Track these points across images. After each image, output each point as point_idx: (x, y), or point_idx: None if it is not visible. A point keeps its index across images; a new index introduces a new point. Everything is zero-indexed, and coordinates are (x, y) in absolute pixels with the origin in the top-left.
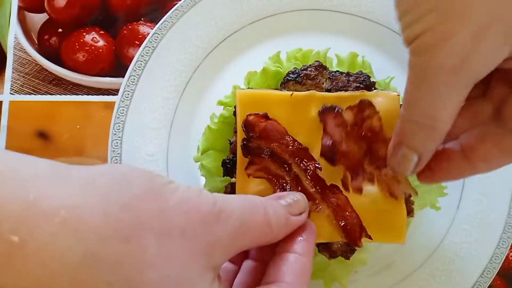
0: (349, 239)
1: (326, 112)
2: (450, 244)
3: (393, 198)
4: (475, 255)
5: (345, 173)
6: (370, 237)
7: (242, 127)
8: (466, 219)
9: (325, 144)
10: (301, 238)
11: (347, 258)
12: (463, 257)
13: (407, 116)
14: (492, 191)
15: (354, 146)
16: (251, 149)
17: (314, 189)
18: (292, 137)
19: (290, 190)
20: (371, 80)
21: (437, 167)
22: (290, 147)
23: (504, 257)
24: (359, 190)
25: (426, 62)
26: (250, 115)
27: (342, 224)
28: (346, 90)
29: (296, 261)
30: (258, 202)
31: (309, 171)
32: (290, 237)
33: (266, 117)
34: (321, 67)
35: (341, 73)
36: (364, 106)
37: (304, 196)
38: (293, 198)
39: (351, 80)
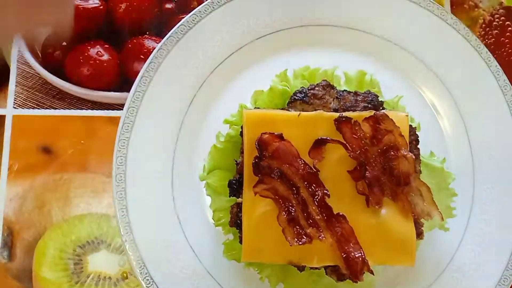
0: (350, 271)
1: (342, 122)
2: (458, 265)
3: (407, 219)
4: (483, 277)
5: (364, 187)
6: (372, 272)
7: (256, 145)
8: (474, 240)
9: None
10: None
11: (355, 281)
12: (471, 279)
13: None
14: (500, 212)
15: (376, 161)
16: (261, 168)
17: (319, 216)
18: (303, 160)
19: (295, 214)
20: (379, 100)
21: None
22: (301, 170)
23: None
24: (379, 205)
25: None
26: (265, 133)
27: (344, 256)
28: (354, 110)
29: None
30: None
31: (317, 196)
32: None
33: (280, 137)
34: (328, 86)
35: (349, 92)
36: (379, 118)
37: None
38: None
39: (359, 99)
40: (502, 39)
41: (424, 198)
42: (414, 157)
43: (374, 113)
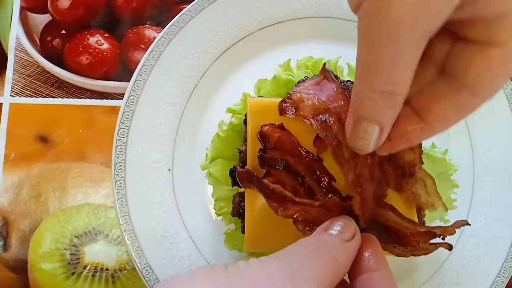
0: None
1: None
2: (458, 257)
3: (410, 211)
4: (483, 269)
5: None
6: None
7: (258, 137)
8: (474, 232)
9: None
10: (368, 253)
11: None
12: (471, 271)
13: (364, 88)
14: (500, 205)
15: None
16: (266, 160)
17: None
18: (305, 149)
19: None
20: None
21: (394, 135)
22: (304, 159)
23: None
24: (384, 195)
25: (380, 22)
26: (265, 125)
27: None
28: None
29: (380, 277)
30: (315, 244)
31: (323, 182)
32: (358, 260)
33: (281, 127)
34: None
35: (352, 82)
36: None
37: (348, 217)
38: (341, 224)
39: None
40: None
41: (428, 189)
42: (420, 147)
43: None
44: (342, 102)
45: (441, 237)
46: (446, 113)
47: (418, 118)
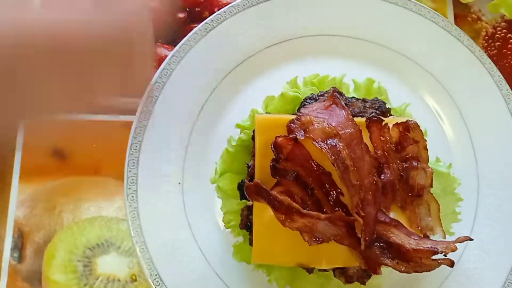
0: (368, 266)
1: (373, 121)
2: (463, 270)
3: (411, 229)
4: (487, 281)
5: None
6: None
7: (271, 147)
8: (479, 245)
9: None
10: None
11: (363, 283)
12: (476, 283)
13: None
14: (504, 218)
15: (394, 166)
16: (278, 170)
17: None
18: (316, 162)
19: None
20: (387, 107)
21: None
22: (314, 171)
23: None
24: (387, 209)
25: None
26: (279, 137)
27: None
28: (362, 116)
29: None
30: None
31: (331, 196)
32: None
33: (294, 139)
34: (337, 93)
35: (357, 99)
36: (410, 126)
37: None
38: None
39: (367, 106)
40: (504, 51)
41: (431, 214)
42: (432, 172)
43: (407, 120)
44: (352, 130)
45: (443, 253)
46: None
47: None
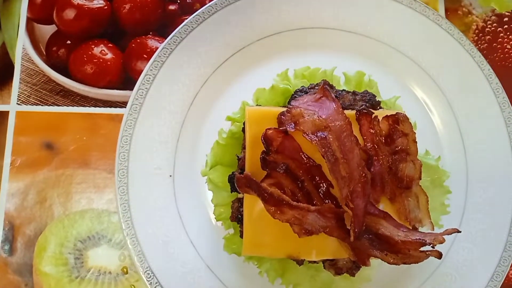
0: (357, 257)
1: (363, 114)
2: (452, 262)
3: (400, 221)
4: (476, 273)
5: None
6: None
7: (262, 140)
8: (467, 237)
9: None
10: None
11: (352, 274)
12: (464, 275)
13: None
14: (493, 211)
15: (384, 158)
16: (268, 162)
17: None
18: (306, 155)
19: None
20: (377, 99)
21: None
22: (304, 164)
23: (505, 275)
24: (376, 201)
25: None
26: (269, 129)
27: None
28: (352, 109)
29: None
30: None
31: (321, 188)
32: None
33: (285, 132)
34: (327, 86)
35: (347, 92)
36: (400, 119)
37: None
38: None
39: (357, 98)
40: (494, 44)
41: (419, 206)
42: (421, 164)
43: (396, 112)
44: (342, 122)
45: (431, 245)
46: None
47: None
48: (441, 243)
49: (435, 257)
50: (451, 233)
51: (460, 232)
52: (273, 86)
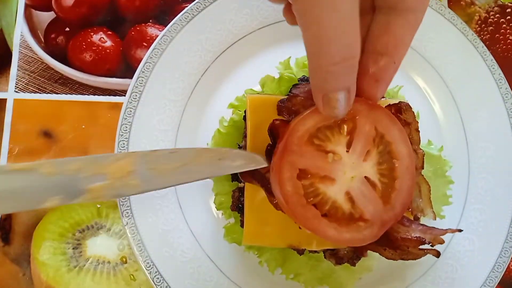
0: (355, 248)
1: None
2: (453, 253)
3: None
4: (477, 264)
5: None
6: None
7: (268, 132)
8: (469, 228)
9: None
10: None
11: (353, 264)
12: (465, 266)
13: (323, 63)
14: (495, 202)
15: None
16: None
17: None
18: None
19: None
20: None
21: (368, 83)
22: None
23: (506, 266)
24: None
25: None
26: (276, 120)
27: None
28: None
29: None
30: None
31: None
32: None
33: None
34: None
35: None
36: (402, 108)
37: None
38: None
39: None
40: (497, 35)
41: (421, 195)
42: (424, 154)
43: (399, 101)
44: None
45: (430, 244)
46: (402, 37)
47: (380, 56)
48: (441, 244)
49: (433, 255)
50: (452, 233)
51: (462, 231)
52: (281, 76)
